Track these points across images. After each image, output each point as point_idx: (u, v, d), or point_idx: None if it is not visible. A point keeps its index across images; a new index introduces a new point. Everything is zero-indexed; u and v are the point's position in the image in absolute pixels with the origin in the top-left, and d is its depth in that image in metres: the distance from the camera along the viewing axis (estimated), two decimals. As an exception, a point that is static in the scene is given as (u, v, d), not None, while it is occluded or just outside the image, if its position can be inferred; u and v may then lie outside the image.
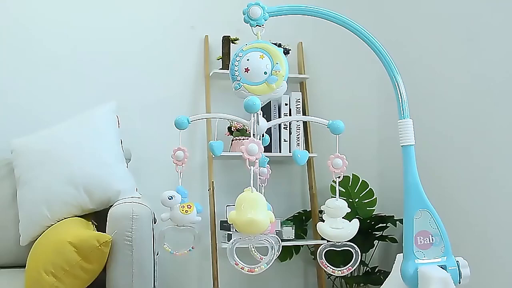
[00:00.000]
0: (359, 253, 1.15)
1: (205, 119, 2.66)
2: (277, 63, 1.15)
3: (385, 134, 2.94)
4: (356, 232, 1.13)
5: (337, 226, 1.12)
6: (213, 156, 2.60)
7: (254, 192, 0.97)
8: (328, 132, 1.18)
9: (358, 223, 1.15)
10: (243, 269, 0.99)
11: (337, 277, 2.64)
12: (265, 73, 1.14)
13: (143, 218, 1.69)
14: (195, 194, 2.65)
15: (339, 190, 1.15)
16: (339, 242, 1.13)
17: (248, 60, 1.14)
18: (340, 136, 1.16)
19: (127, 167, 2.19)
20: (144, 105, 2.68)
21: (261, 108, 1.28)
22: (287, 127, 2.70)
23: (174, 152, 1.15)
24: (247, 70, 1.13)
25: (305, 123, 2.77)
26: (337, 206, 1.14)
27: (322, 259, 1.15)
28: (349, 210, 1.15)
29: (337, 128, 1.17)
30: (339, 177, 1.16)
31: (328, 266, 1.15)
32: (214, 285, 2.51)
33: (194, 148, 2.69)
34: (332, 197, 1.15)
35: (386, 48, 1.23)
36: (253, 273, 1.00)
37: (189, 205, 1.08)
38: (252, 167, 0.94)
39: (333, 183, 1.12)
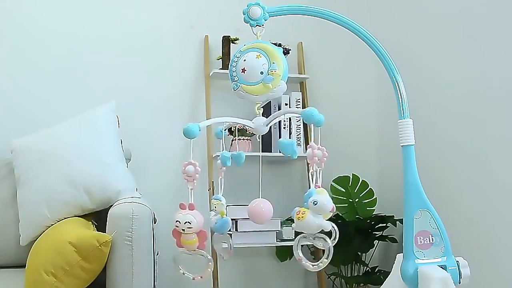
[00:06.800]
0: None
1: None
2: (273, 63, 1.14)
3: (385, 134, 2.94)
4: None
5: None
6: (213, 155, 2.60)
7: None
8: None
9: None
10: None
11: (337, 277, 2.64)
12: (262, 73, 1.14)
13: (143, 218, 1.69)
14: (195, 194, 2.64)
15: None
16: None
17: (245, 60, 1.14)
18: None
19: (127, 167, 2.19)
20: (144, 105, 2.68)
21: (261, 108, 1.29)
22: (286, 127, 2.70)
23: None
24: (243, 70, 1.13)
25: (305, 123, 2.77)
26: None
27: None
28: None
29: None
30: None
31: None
32: (214, 285, 2.51)
33: (194, 148, 2.68)
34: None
35: (386, 48, 1.23)
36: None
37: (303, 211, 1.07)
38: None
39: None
